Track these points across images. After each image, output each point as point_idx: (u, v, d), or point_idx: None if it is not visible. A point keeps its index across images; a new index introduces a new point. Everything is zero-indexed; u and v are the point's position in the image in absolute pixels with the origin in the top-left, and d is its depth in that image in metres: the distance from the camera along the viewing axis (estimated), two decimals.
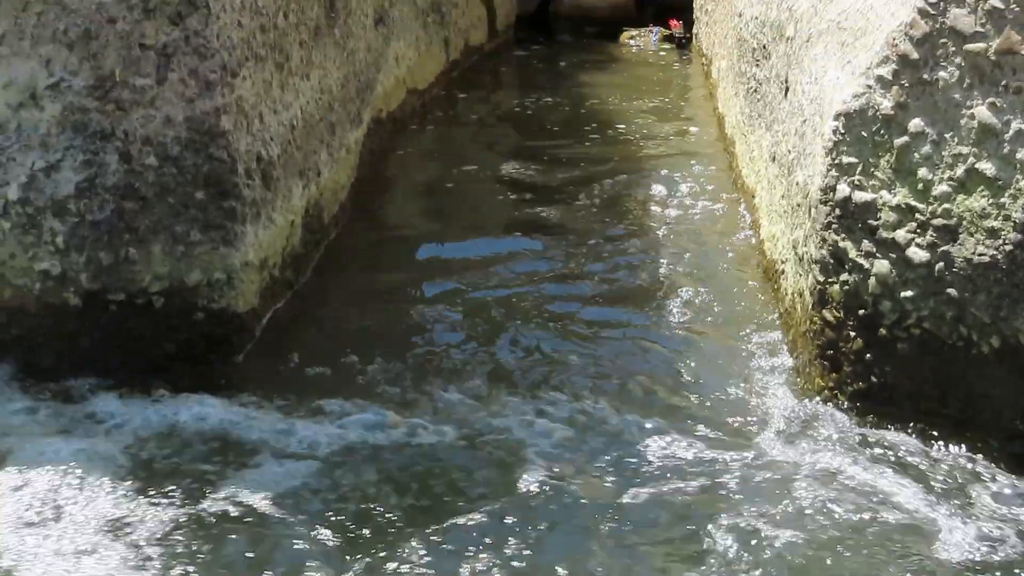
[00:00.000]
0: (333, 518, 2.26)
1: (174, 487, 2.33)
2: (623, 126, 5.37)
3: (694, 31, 7.25)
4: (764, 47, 3.88)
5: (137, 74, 2.65)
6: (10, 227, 2.66)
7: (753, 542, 2.16)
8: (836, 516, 2.23)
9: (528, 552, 2.15)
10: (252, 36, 2.91)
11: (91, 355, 2.76)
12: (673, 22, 7.62)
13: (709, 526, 2.21)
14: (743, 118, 4.29)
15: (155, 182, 2.69)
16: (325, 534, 2.20)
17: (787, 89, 3.30)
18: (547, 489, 2.35)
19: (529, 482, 2.37)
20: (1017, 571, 2.09)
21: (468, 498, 2.34)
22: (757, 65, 4.01)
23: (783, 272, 3.05)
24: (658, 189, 4.34)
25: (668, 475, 2.40)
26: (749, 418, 2.63)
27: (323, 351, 2.96)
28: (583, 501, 2.32)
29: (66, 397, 2.64)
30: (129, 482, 2.33)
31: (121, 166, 2.66)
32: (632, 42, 7.64)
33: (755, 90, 4.01)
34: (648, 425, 2.58)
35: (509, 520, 2.25)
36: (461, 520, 2.25)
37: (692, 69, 6.90)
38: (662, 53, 7.43)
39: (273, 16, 3.07)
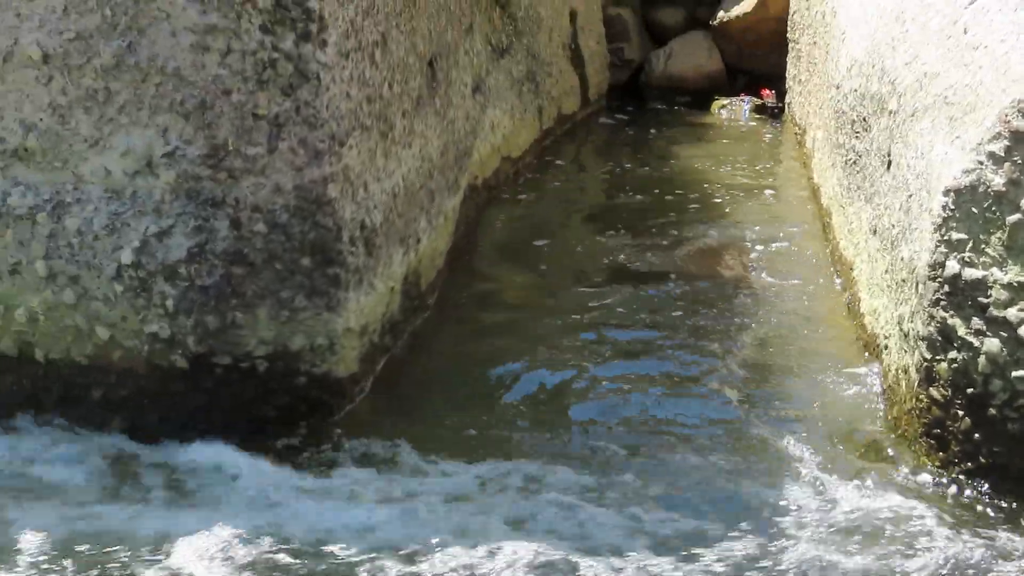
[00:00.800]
0: None
1: None
2: (714, 195, 5.37)
3: (786, 100, 7.24)
4: (864, 119, 3.86)
5: (249, 143, 2.71)
6: (122, 290, 2.72)
7: None
8: None
9: None
10: (359, 107, 2.97)
11: (195, 417, 2.80)
12: (765, 92, 7.62)
13: None
14: (841, 190, 4.25)
15: (263, 248, 2.74)
16: None
17: (890, 162, 3.28)
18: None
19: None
20: None
21: None
22: (856, 137, 3.98)
23: (886, 347, 3.01)
24: (750, 259, 4.32)
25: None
26: (854, 495, 2.57)
27: (415, 419, 2.97)
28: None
29: None
30: None
31: (231, 232, 2.72)
32: (723, 111, 7.66)
33: (854, 162, 3.98)
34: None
35: None
36: None
37: (784, 138, 6.88)
38: (753, 123, 7.43)
39: (379, 87, 3.13)
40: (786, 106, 7.24)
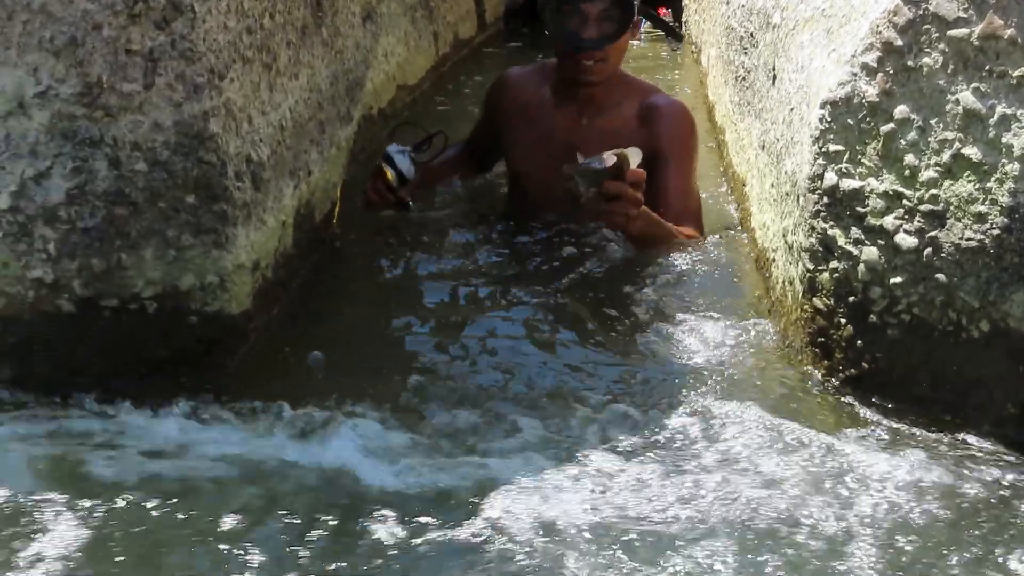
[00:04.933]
0: None
1: None
2: None
3: (684, 19, 7.26)
4: (751, 35, 3.89)
5: (124, 80, 2.64)
6: (2, 236, 2.66)
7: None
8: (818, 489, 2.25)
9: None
10: (239, 38, 2.90)
11: (87, 361, 2.76)
12: (662, 10, 7.66)
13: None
14: (732, 106, 4.29)
15: (145, 187, 2.69)
16: None
17: (775, 77, 3.31)
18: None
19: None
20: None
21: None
22: (745, 53, 4.01)
23: (773, 260, 3.06)
24: None
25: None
26: (740, 405, 2.62)
27: (311, 358, 2.96)
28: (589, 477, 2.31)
29: None
30: None
31: (111, 172, 2.67)
32: None
33: (743, 78, 4.02)
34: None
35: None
36: None
37: (682, 57, 6.90)
38: (651, 42, 7.44)
39: (259, 17, 3.06)
40: (683, 24, 7.27)
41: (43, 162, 2.65)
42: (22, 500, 2.28)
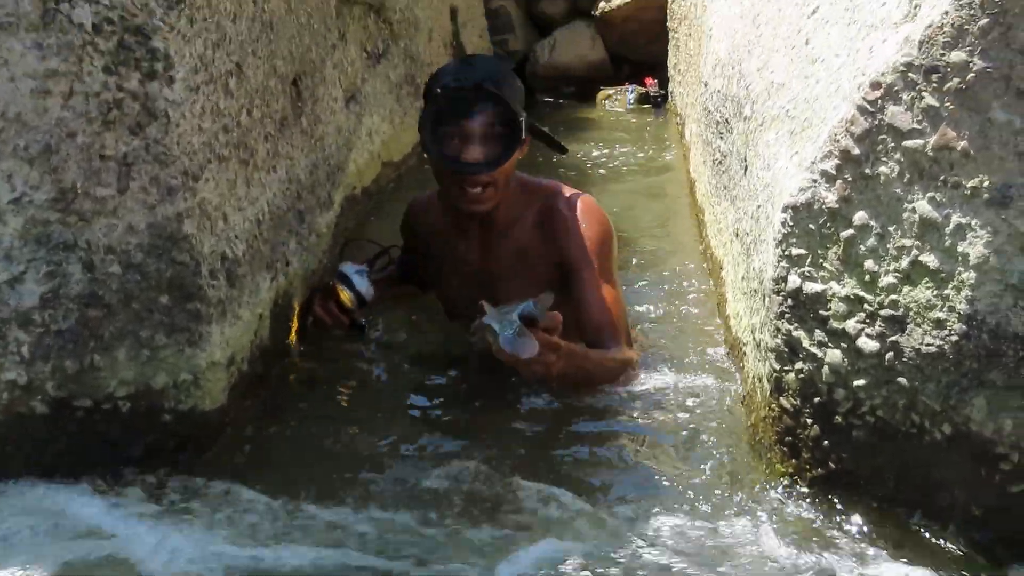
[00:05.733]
0: None
1: None
2: (598, 188, 5.43)
3: (669, 89, 7.33)
4: (727, 121, 3.94)
5: (98, 184, 2.69)
6: None
7: None
8: None
9: None
10: (214, 138, 2.95)
11: (60, 460, 2.78)
12: (648, 80, 7.73)
13: None
14: (710, 188, 4.34)
15: (119, 289, 2.73)
16: None
17: (746, 168, 3.35)
18: None
19: None
20: None
21: None
22: (721, 137, 4.06)
23: (744, 354, 3.09)
24: (629, 256, 4.39)
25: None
26: (710, 502, 2.65)
27: (288, 450, 2.98)
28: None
29: None
30: None
31: (85, 275, 2.70)
32: (608, 102, 7.72)
33: (720, 161, 4.07)
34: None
35: None
36: None
37: (667, 129, 6.96)
38: (637, 113, 7.50)
39: (236, 115, 3.11)
40: (669, 95, 7.33)
41: (17, 267, 2.69)
42: None
